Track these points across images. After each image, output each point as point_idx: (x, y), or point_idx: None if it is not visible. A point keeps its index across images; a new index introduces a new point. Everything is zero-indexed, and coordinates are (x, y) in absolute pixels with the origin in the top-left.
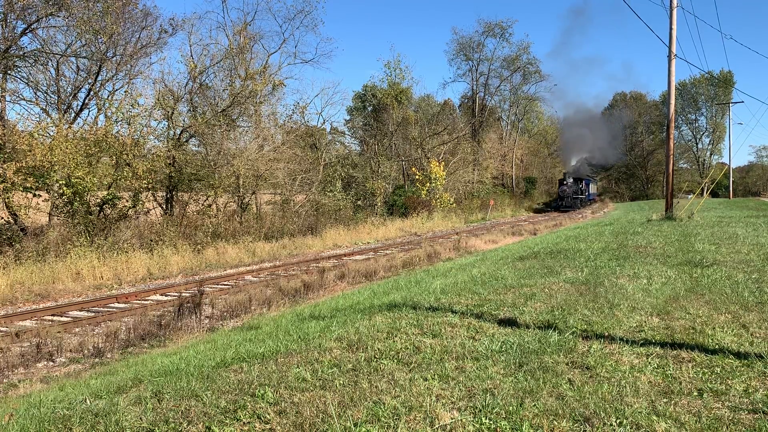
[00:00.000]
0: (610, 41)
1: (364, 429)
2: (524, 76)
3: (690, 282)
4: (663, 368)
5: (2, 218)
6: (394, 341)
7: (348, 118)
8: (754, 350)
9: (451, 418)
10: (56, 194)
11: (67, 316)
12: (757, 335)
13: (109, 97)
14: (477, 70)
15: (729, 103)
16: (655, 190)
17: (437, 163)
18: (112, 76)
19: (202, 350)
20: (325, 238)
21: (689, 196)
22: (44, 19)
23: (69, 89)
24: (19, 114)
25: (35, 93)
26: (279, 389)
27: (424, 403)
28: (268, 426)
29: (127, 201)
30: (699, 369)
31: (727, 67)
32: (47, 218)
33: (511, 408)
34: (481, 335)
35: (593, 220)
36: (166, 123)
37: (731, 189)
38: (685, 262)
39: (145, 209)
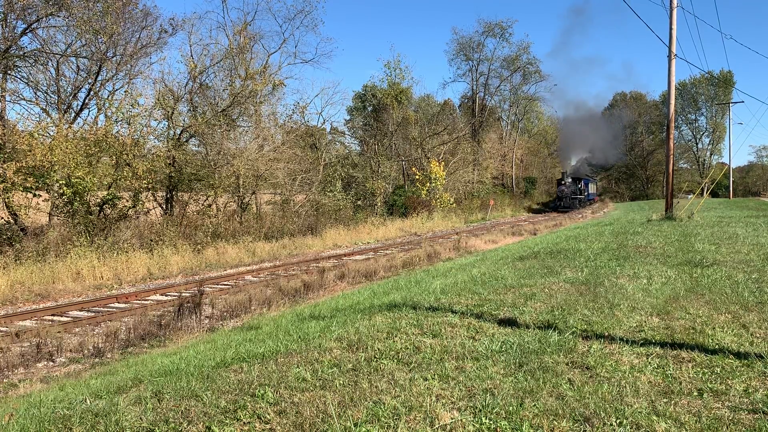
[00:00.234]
0: (610, 41)
1: (364, 429)
2: (524, 76)
3: (690, 282)
4: (663, 368)
5: (2, 218)
6: (394, 341)
7: (348, 118)
8: (754, 350)
9: (451, 418)
10: (56, 194)
11: (67, 316)
12: (757, 335)
13: (109, 97)
14: (477, 70)
15: (729, 103)
16: (655, 190)
17: (437, 163)
18: (112, 76)
19: (202, 350)
20: (325, 238)
21: (689, 196)
22: (44, 19)
23: (69, 89)
24: (19, 114)
25: (35, 93)
26: (279, 389)
27: (424, 403)
28: (268, 426)
29: (127, 201)
30: (699, 369)
31: (727, 67)
32: (47, 218)
33: (511, 408)
34: (481, 335)
35: (593, 220)
36: (166, 123)
37: (731, 189)
38: (685, 262)
39: (145, 209)
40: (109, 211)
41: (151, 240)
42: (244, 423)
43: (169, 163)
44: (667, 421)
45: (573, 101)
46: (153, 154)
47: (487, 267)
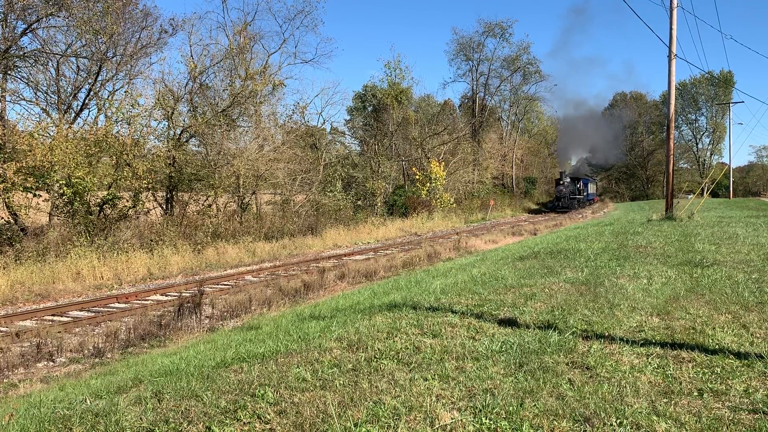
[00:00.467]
0: (611, 41)
1: (364, 429)
2: (524, 76)
3: (690, 282)
4: (663, 368)
5: (2, 218)
6: (394, 341)
7: (348, 118)
8: (754, 350)
9: (451, 418)
10: (56, 194)
11: (67, 316)
12: (757, 335)
13: (109, 97)
14: (477, 70)
15: (729, 103)
16: (655, 190)
17: (437, 163)
18: (112, 76)
19: (202, 350)
20: (325, 238)
21: (689, 196)
22: (44, 19)
23: (69, 89)
24: (19, 114)
25: (35, 93)
26: (279, 389)
27: (424, 403)
28: (268, 426)
29: (127, 201)
30: (699, 369)
31: (727, 67)
32: (47, 218)
33: (511, 408)
34: (481, 335)
35: (593, 220)
36: (166, 123)
37: (731, 189)
38: (686, 262)
39: (145, 209)
40: (109, 211)
41: (151, 240)
42: (244, 423)
43: (169, 163)
44: (667, 421)
45: (573, 100)
46: (153, 154)
47: (487, 267)
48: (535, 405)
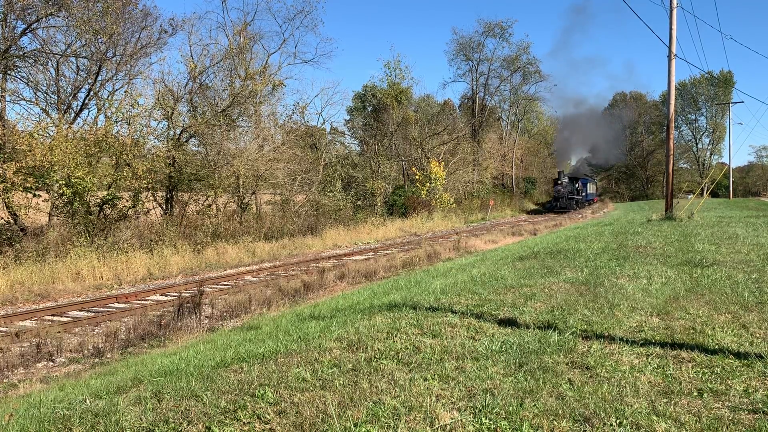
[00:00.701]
0: (611, 41)
1: (364, 429)
2: (524, 76)
3: (690, 282)
4: (663, 368)
5: (2, 218)
6: (394, 341)
7: (348, 118)
8: (754, 350)
9: (451, 418)
10: (56, 194)
11: (67, 316)
12: (757, 335)
13: (109, 97)
14: (477, 70)
15: (729, 103)
16: (655, 190)
17: (437, 163)
18: (112, 76)
19: (202, 350)
20: (325, 238)
21: (689, 196)
22: (44, 19)
23: (69, 89)
24: (19, 114)
25: (35, 93)
26: (279, 389)
27: (424, 403)
28: (268, 426)
29: (127, 201)
30: (699, 369)
31: (727, 67)
32: (47, 218)
33: (511, 408)
34: (481, 335)
35: (593, 220)
36: (166, 123)
37: (731, 189)
38: (685, 262)
39: (145, 209)
40: (109, 211)
41: (151, 240)
42: (244, 423)
43: (169, 163)
44: (667, 421)
45: (573, 98)
46: (153, 154)
47: (487, 267)
48: (535, 405)
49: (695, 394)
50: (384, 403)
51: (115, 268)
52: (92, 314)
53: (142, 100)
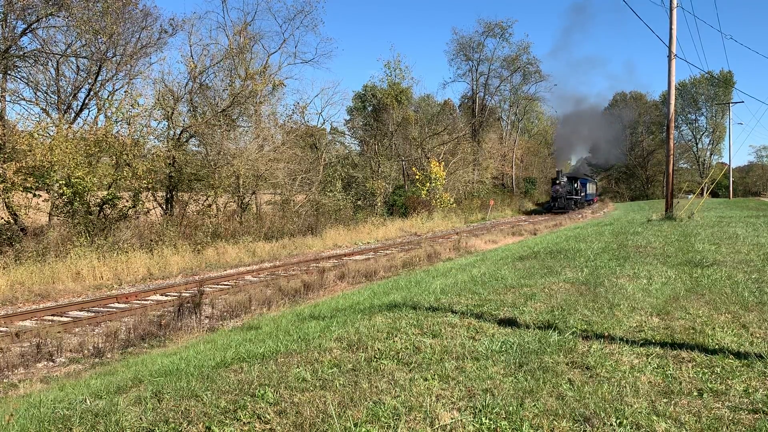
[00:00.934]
0: (611, 41)
1: (364, 429)
2: (524, 76)
3: (690, 282)
4: (663, 368)
5: (2, 218)
6: (394, 341)
7: (348, 118)
8: (754, 350)
9: (451, 418)
10: (56, 194)
11: (67, 316)
12: (757, 335)
13: (109, 97)
14: (477, 70)
15: (729, 103)
16: (655, 190)
17: (437, 163)
18: (112, 76)
19: (202, 350)
20: (325, 238)
21: (689, 196)
22: (44, 19)
23: (69, 89)
24: (19, 114)
25: (35, 93)
26: (279, 389)
27: (424, 403)
28: (268, 426)
29: (127, 201)
30: (699, 369)
31: (727, 67)
32: (47, 218)
33: (511, 408)
34: (481, 335)
35: (593, 220)
36: (166, 123)
37: (731, 189)
38: (685, 262)
39: (145, 209)
40: (109, 211)
41: (151, 240)
42: (244, 423)
43: (169, 163)
44: (667, 421)
45: (573, 96)
46: (153, 154)
47: (487, 267)
48: (535, 405)
49: (695, 394)
50: (384, 403)
51: (115, 268)
52: (92, 314)
53: (142, 100)
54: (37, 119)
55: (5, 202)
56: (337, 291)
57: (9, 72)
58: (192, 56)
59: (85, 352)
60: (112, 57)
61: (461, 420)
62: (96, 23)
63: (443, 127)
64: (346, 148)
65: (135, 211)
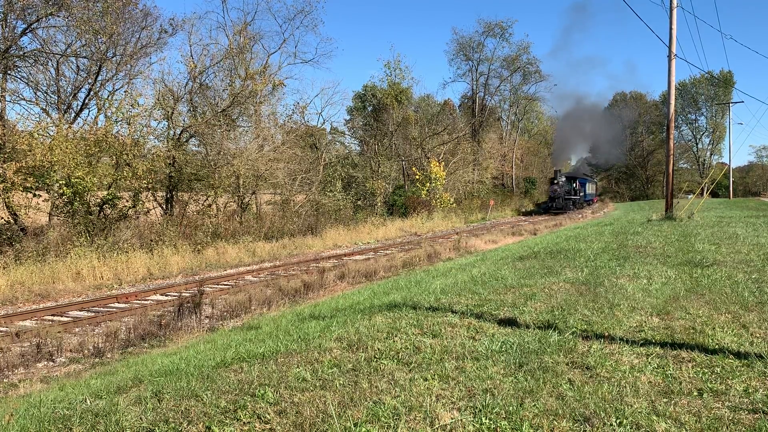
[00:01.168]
0: (611, 41)
1: (364, 429)
2: (524, 76)
3: (690, 282)
4: (663, 368)
5: (2, 218)
6: (394, 341)
7: (348, 118)
8: (754, 350)
9: (451, 418)
10: (56, 194)
11: (67, 316)
12: (757, 335)
13: (109, 97)
14: (477, 70)
15: (729, 103)
16: (655, 190)
17: (437, 163)
18: (112, 76)
19: (202, 350)
20: (325, 238)
21: (689, 196)
22: (44, 19)
23: (69, 89)
24: (19, 114)
25: (35, 93)
26: (279, 389)
27: (424, 403)
28: (268, 426)
29: (127, 201)
30: (699, 369)
31: (727, 67)
32: (47, 218)
33: (511, 408)
34: (481, 335)
35: (593, 220)
36: (166, 123)
37: (731, 189)
38: (685, 262)
39: (145, 209)
40: (109, 211)
41: (151, 240)
42: (244, 423)
43: (169, 163)
44: (667, 421)
45: (574, 94)
46: (153, 154)
47: (487, 267)
48: (535, 405)
49: (695, 394)
50: (384, 403)
51: (115, 268)
52: (92, 314)
53: (142, 100)
54: (37, 119)
55: (5, 202)
56: (337, 291)
57: (9, 72)
58: (192, 56)
59: (85, 352)
60: (112, 57)
61: (461, 420)
62: (96, 23)
63: (443, 127)
64: (346, 148)
65: (135, 211)
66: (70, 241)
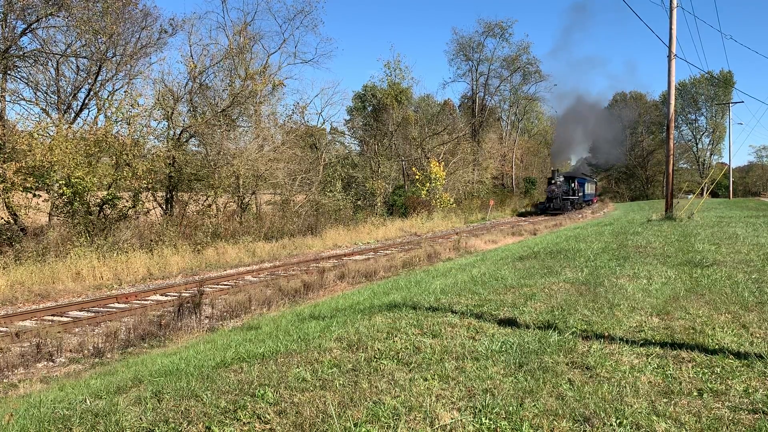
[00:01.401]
0: (611, 40)
1: (364, 429)
2: (524, 76)
3: (690, 282)
4: (663, 368)
5: (2, 218)
6: (394, 341)
7: (348, 118)
8: (754, 350)
9: (451, 418)
10: (56, 194)
11: (67, 316)
12: (757, 335)
13: (109, 97)
14: (477, 70)
15: (729, 103)
16: (655, 190)
17: (437, 163)
18: (112, 76)
19: (202, 350)
20: (325, 238)
21: (689, 196)
22: (44, 19)
23: (69, 89)
24: (19, 114)
25: (35, 93)
26: (279, 389)
27: (424, 403)
28: (268, 426)
29: (127, 201)
30: (699, 369)
31: (727, 67)
32: (47, 218)
33: (511, 408)
34: (481, 335)
35: (593, 220)
36: (166, 123)
37: (731, 189)
38: (685, 262)
39: (145, 209)
40: (109, 211)
41: (151, 240)
42: (244, 423)
43: (169, 163)
44: (667, 421)
45: (574, 93)
46: (153, 154)
47: (487, 267)
48: (535, 405)
49: (695, 394)
50: (384, 403)
51: (115, 268)
52: (92, 314)
53: (142, 100)
54: (37, 119)
55: (5, 202)
56: (337, 291)
57: (9, 72)
58: (192, 56)
59: (85, 352)
60: (112, 57)
61: (461, 420)
62: (96, 23)
63: (443, 127)
64: (346, 148)
65: (135, 211)
66: (70, 241)
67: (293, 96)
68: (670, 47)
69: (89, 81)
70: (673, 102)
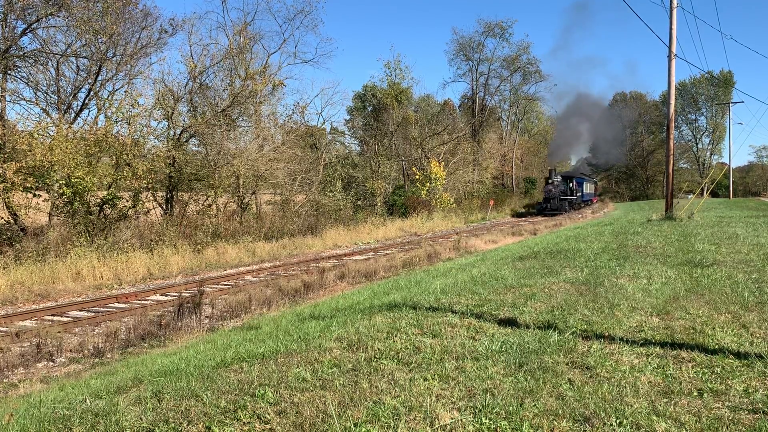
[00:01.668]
0: (611, 40)
1: (364, 429)
2: (524, 76)
3: (690, 282)
4: (663, 368)
5: (2, 218)
6: (394, 341)
7: (348, 118)
8: (754, 350)
9: (451, 418)
10: (56, 194)
11: (67, 316)
12: (757, 335)
13: (109, 97)
14: (477, 70)
15: (729, 103)
16: (655, 190)
17: (437, 163)
18: (112, 76)
19: (202, 350)
20: (325, 238)
21: (689, 196)
22: (44, 19)
23: (69, 89)
24: (19, 114)
25: (35, 93)
26: (279, 389)
27: (424, 403)
28: (268, 426)
29: (127, 201)
30: (699, 369)
31: (727, 67)
32: (47, 218)
33: (511, 408)
34: (481, 335)
35: (593, 220)
36: (166, 123)
37: (731, 189)
38: (685, 262)
39: (145, 209)
40: (109, 211)
41: (151, 240)
42: (244, 423)
43: (169, 163)
44: (667, 421)
45: (574, 92)
46: (153, 154)
47: (487, 267)
48: (535, 405)
49: (695, 394)
50: (384, 403)
51: (115, 268)
52: (92, 314)
53: (142, 100)
54: (37, 119)
55: (5, 202)
56: (337, 291)
57: (9, 72)
58: (192, 56)
59: (85, 352)
60: (112, 57)
61: (461, 420)
62: (96, 23)
63: (443, 127)
64: (346, 148)
65: (135, 211)
66: (70, 241)
67: (293, 96)
68: (670, 47)
69: (89, 81)
70: (673, 102)
